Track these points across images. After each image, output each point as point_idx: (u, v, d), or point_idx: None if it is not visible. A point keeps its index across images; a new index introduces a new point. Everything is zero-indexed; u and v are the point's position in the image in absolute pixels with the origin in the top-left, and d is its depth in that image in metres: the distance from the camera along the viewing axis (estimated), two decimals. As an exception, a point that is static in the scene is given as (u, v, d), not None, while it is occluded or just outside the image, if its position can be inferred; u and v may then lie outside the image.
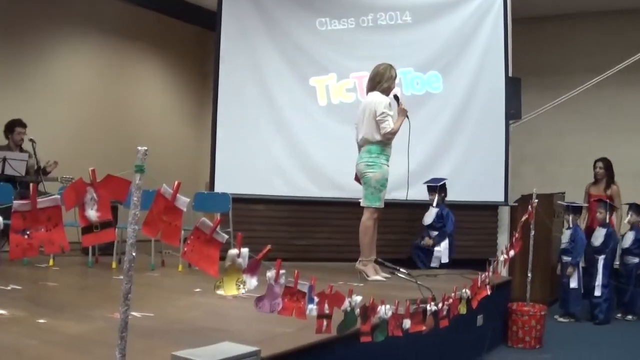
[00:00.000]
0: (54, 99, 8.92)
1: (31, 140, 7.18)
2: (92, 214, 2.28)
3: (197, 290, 4.82)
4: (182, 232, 2.45)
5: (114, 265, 6.14)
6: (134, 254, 2.23)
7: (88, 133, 9.27)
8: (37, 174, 7.12)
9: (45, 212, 2.17)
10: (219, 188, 7.21)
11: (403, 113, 5.81)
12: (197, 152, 10.72)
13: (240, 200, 7.01)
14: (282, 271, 2.51)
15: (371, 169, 5.68)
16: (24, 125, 7.24)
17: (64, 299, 4.41)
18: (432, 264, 6.86)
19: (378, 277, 5.74)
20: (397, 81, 6.05)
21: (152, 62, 10.54)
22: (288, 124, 7.48)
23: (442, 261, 6.85)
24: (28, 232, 2.14)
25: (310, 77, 7.58)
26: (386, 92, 5.84)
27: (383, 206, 5.78)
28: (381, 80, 5.84)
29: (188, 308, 4.17)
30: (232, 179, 7.26)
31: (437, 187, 7.04)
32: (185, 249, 2.37)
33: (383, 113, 5.62)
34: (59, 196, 2.26)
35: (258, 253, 2.42)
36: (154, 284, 5.31)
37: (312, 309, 2.63)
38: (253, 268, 2.41)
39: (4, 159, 6.78)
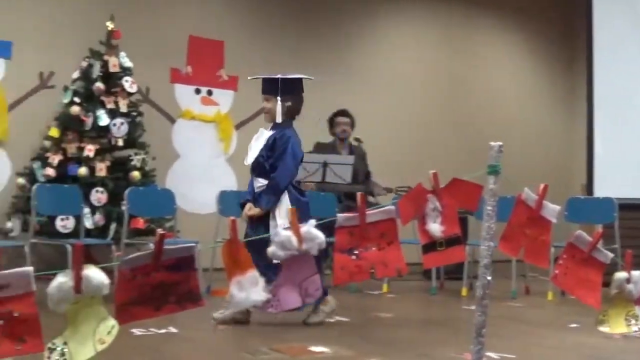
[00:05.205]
0: (379, 89, 9.27)
1: (357, 139, 7.54)
2: (436, 228, 2.33)
3: (573, 325, 4.77)
4: (552, 249, 2.43)
5: (463, 292, 6.35)
6: (489, 277, 2.27)
7: (425, 129, 9.55)
8: (367, 180, 7.44)
9: (377, 228, 2.23)
10: (599, 191, 7.12)
11: None
12: (568, 145, 10.53)
13: (629, 207, 6.76)
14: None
15: None
16: (346, 115, 7.41)
17: (400, 335, 4.64)
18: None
19: None
20: None
21: (505, 34, 10.56)
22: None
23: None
24: (356, 252, 2.23)
25: None
26: None
27: None
28: None
29: (559, 349, 4.13)
30: (617, 179, 7.09)
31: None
32: (557, 271, 2.35)
33: None
34: (393, 207, 2.33)
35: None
36: (514, 317, 5.36)
37: None
38: (650, 299, 2.30)
39: (325, 164, 6.88)
